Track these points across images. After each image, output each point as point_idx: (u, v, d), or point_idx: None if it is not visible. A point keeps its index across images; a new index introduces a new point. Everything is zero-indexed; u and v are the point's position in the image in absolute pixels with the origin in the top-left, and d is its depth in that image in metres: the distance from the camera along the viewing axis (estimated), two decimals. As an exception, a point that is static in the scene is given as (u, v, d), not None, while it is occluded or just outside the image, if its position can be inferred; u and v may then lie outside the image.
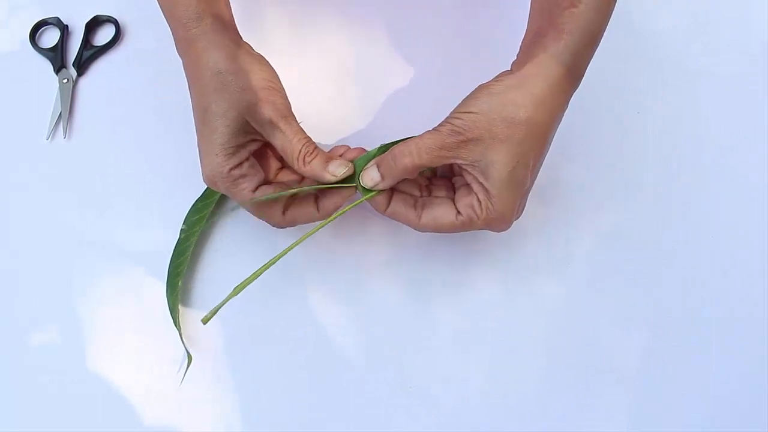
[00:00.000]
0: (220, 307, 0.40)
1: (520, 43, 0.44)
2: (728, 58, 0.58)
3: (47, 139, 0.53)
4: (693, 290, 0.49)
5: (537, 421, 0.46)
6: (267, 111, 0.41)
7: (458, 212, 0.42)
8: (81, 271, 0.49)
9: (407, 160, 0.40)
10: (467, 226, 0.42)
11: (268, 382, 0.46)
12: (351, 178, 0.43)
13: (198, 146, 0.43)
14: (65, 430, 0.45)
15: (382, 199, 0.43)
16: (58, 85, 0.55)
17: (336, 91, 0.55)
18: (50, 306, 0.48)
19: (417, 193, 0.44)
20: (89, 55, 0.56)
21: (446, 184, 0.44)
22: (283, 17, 0.58)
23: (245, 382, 0.46)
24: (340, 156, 0.44)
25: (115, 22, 0.57)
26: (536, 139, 0.40)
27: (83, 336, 0.47)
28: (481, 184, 0.40)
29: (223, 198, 0.50)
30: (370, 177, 0.42)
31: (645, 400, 0.46)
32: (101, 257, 0.49)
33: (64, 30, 0.57)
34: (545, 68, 0.40)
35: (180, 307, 0.47)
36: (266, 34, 0.57)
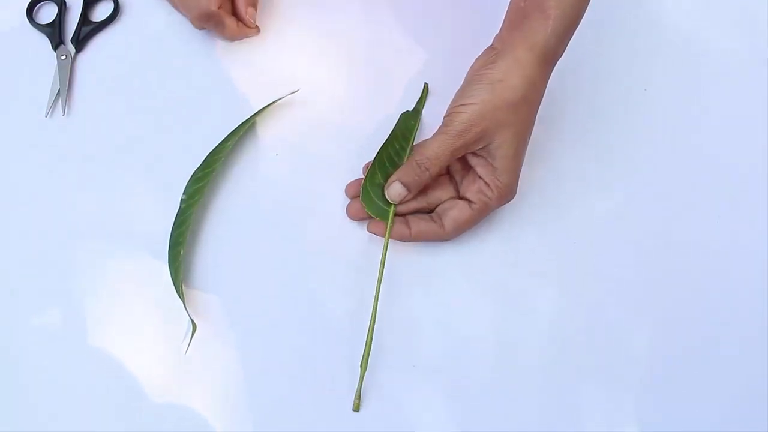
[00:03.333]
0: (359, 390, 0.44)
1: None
2: (737, 37, 0.57)
3: (46, 116, 0.52)
4: (696, 276, 0.49)
5: (539, 409, 0.46)
6: None
7: (471, 202, 0.44)
8: (81, 248, 0.48)
9: (430, 171, 0.43)
10: (484, 210, 0.44)
11: (272, 349, 0.46)
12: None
13: None
14: (70, 407, 0.45)
15: (402, 228, 0.45)
16: (56, 61, 0.54)
17: (346, 72, 0.54)
18: (51, 283, 0.48)
19: (423, 204, 0.46)
20: (88, 31, 0.55)
21: (442, 184, 0.47)
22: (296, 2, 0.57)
23: (249, 350, 0.46)
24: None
25: (114, -2, 0.56)
26: (531, 115, 0.44)
27: (85, 312, 0.47)
28: (489, 164, 0.43)
29: (225, 166, 0.50)
30: (397, 192, 0.45)
31: (649, 393, 0.46)
32: (101, 233, 0.49)
33: (62, 5, 0.56)
34: (534, 52, 0.42)
35: (182, 276, 0.47)
36: (279, 17, 0.56)
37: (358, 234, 0.49)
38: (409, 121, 0.50)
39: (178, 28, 0.55)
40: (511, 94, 0.41)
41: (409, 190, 0.44)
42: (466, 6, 0.57)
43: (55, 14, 0.56)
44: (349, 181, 0.49)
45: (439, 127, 0.44)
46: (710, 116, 0.54)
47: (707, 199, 0.51)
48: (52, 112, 0.53)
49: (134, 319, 0.47)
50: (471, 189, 0.44)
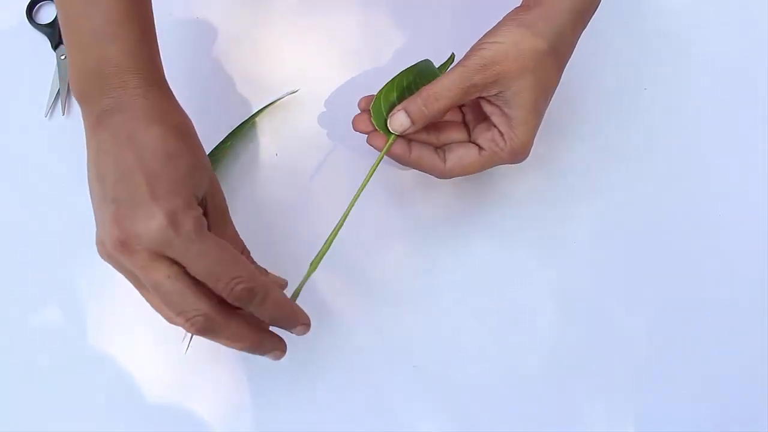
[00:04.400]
0: (301, 287, 0.39)
1: None
2: (737, 36, 0.57)
3: (46, 116, 0.52)
4: (697, 271, 0.49)
5: (540, 401, 0.46)
6: (222, 201, 0.38)
7: (481, 148, 0.42)
8: (81, 248, 0.48)
9: (438, 103, 0.40)
10: (492, 160, 0.42)
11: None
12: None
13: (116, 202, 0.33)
14: (70, 407, 0.45)
15: (403, 147, 0.42)
16: (56, 61, 0.54)
17: (345, 72, 0.54)
18: (50, 283, 0.48)
19: (433, 140, 0.43)
20: (87, 31, 0.55)
21: (456, 128, 0.44)
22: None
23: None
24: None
25: (114, -2, 0.56)
26: (557, 69, 0.41)
27: (84, 312, 0.47)
28: (504, 114, 0.41)
29: (225, 166, 0.50)
30: (400, 122, 0.41)
31: (648, 382, 0.46)
32: (101, 234, 0.49)
33: (62, 6, 0.56)
34: (566, 3, 0.40)
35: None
36: (273, 12, 0.56)
37: (360, 232, 0.49)
38: (431, 67, 0.47)
39: (178, 29, 0.55)
40: (539, 41, 0.39)
41: (413, 122, 0.41)
42: (467, 5, 0.57)
43: (55, 14, 0.56)
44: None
45: (458, 62, 0.41)
46: (710, 115, 0.54)
47: (707, 197, 0.51)
48: (52, 112, 0.53)
49: (134, 319, 0.47)
50: (484, 136, 0.42)
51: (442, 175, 0.43)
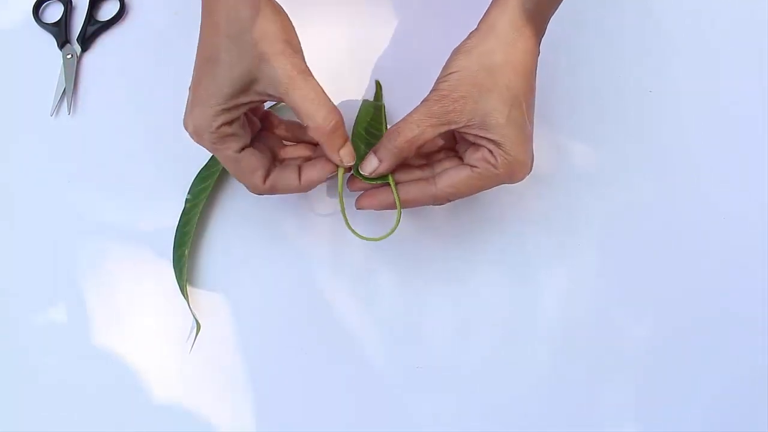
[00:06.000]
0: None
1: None
2: (742, 38, 0.57)
3: (51, 116, 0.53)
4: (702, 276, 0.49)
5: (543, 404, 0.46)
6: (283, 65, 0.38)
7: (473, 167, 0.41)
8: (86, 247, 0.49)
9: (401, 138, 0.40)
10: (488, 179, 0.41)
11: (276, 349, 0.46)
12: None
13: (190, 91, 0.40)
14: (74, 407, 0.45)
15: (387, 196, 0.42)
16: (62, 60, 0.54)
17: (335, 72, 0.54)
18: (55, 282, 0.48)
19: (422, 174, 0.43)
20: (93, 30, 0.55)
21: (448, 156, 0.44)
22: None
23: (253, 349, 0.46)
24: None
25: (120, -3, 0.56)
26: (520, 79, 0.40)
27: (90, 312, 0.47)
28: (485, 137, 0.40)
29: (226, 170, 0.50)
30: (370, 164, 0.42)
31: (652, 388, 0.46)
32: (106, 232, 0.49)
33: (68, 5, 0.56)
34: (507, 13, 0.40)
35: (186, 275, 0.47)
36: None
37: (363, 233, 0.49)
38: (374, 104, 0.50)
39: (183, 28, 0.55)
40: (488, 58, 0.39)
41: (381, 161, 0.41)
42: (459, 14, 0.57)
43: (61, 13, 0.56)
44: None
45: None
46: (716, 120, 0.54)
47: (712, 200, 0.51)
48: (58, 111, 0.53)
49: (138, 319, 0.47)
50: (474, 156, 0.41)
51: (436, 198, 0.42)
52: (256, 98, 0.40)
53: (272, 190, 0.42)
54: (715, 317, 0.48)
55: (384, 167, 0.41)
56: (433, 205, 0.43)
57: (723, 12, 0.58)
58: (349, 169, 0.42)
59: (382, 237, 0.42)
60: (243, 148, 0.41)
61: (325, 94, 0.40)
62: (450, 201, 0.42)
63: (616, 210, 0.50)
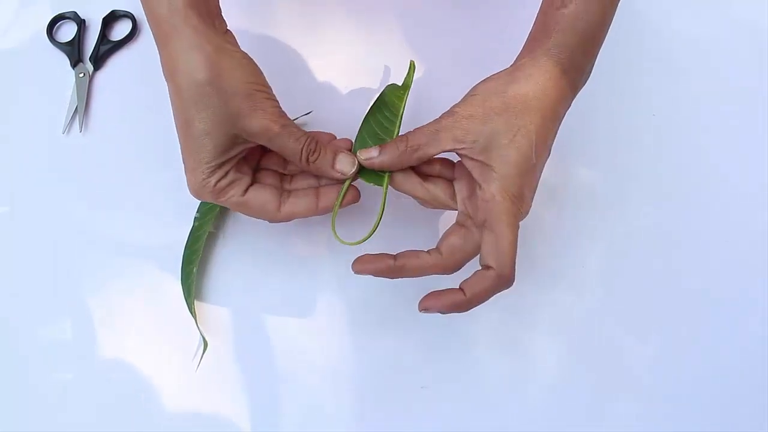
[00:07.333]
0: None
1: None
2: (745, 61, 0.57)
3: (63, 133, 0.53)
4: (708, 297, 0.49)
5: (551, 421, 0.46)
6: (257, 121, 0.39)
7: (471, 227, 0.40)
8: (95, 265, 0.49)
9: (408, 143, 0.41)
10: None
11: (281, 370, 0.47)
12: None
13: (182, 156, 0.40)
14: (79, 422, 0.45)
15: (388, 261, 0.40)
16: (74, 79, 0.55)
17: (346, 84, 0.55)
18: (64, 300, 0.48)
19: (428, 200, 0.43)
20: (106, 49, 0.56)
21: (445, 187, 0.43)
22: (297, 16, 0.58)
23: (259, 369, 0.47)
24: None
25: (132, 17, 0.57)
26: (535, 114, 0.39)
27: (97, 329, 0.47)
28: (482, 162, 0.39)
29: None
30: (369, 153, 0.42)
31: (657, 407, 0.46)
32: (116, 251, 0.49)
33: (81, 24, 0.57)
34: (537, 62, 0.40)
35: (194, 293, 0.47)
36: (277, 26, 0.57)
37: (369, 248, 0.49)
38: (396, 90, 0.47)
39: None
40: (507, 87, 0.39)
41: (380, 152, 0.41)
42: (470, 33, 0.57)
43: (75, 33, 0.57)
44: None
45: None
46: (720, 141, 0.54)
47: (718, 223, 0.51)
48: (70, 129, 0.54)
49: (145, 337, 0.47)
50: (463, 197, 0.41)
51: (447, 269, 0.40)
52: (241, 149, 0.41)
53: (290, 217, 0.42)
54: (720, 339, 0.48)
55: (380, 161, 0.41)
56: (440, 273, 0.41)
57: (726, 36, 0.58)
58: (355, 177, 0.43)
59: (359, 241, 0.42)
60: (246, 189, 0.41)
61: (299, 130, 0.41)
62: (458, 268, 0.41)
63: (620, 232, 0.51)
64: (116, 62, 0.56)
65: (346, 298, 0.48)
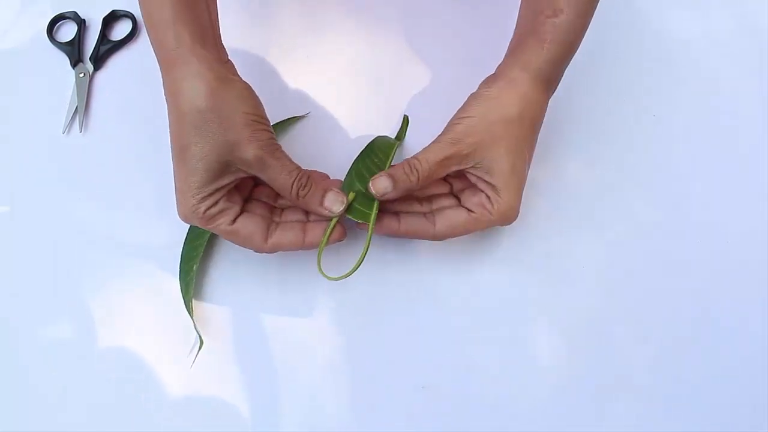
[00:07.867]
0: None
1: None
2: (746, 61, 0.57)
3: (63, 133, 0.53)
4: (706, 297, 0.49)
5: (551, 422, 0.46)
6: (252, 150, 0.40)
7: (470, 211, 0.44)
8: (95, 265, 0.49)
9: (415, 175, 0.42)
10: (481, 223, 0.44)
11: (277, 370, 0.47)
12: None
13: (174, 180, 0.41)
14: (76, 420, 0.45)
15: (392, 221, 0.44)
16: (74, 79, 0.55)
17: (348, 89, 0.55)
18: (64, 300, 0.48)
19: (425, 209, 0.45)
20: (106, 49, 0.56)
21: (445, 196, 0.46)
22: (297, 16, 0.58)
23: (255, 368, 0.47)
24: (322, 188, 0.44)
25: (132, 17, 0.57)
26: (528, 133, 0.44)
27: (97, 329, 0.47)
28: (486, 182, 0.43)
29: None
30: (383, 186, 0.43)
31: (658, 407, 0.46)
32: (116, 251, 0.49)
33: (82, 24, 0.57)
34: (529, 73, 0.43)
35: (192, 291, 0.47)
36: (280, 31, 0.57)
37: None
38: (388, 140, 0.50)
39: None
40: (505, 110, 0.42)
41: (394, 187, 0.43)
42: (471, 33, 0.57)
43: (75, 33, 0.57)
44: None
45: (436, 138, 0.44)
46: (719, 142, 0.54)
47: (715, 224, 0.51)
48: (70, 129, 0.54)
49: (146, 336, 0.47)
50: (472, 200, 0.44)
51: (434, 237, 0.44)
52: (233, 178, 0.41)
53: (275, 249, 0.43)
54: (720, 339, 0.48)
55: (394, 194, 0.43)
56: (430, 240, 0.45)
57: (725, 36, 0.58)
58: (343, 216, 0.44)
59: (345, 275, 0.43)
60: (235, 219, 0.42)
61: (292, 163, 0.42)
62: (445, 239, 0.45)
63: (620, 232, 0.51)
64: (116, 62, 0.56)
65: (346, 297, 0.48)
